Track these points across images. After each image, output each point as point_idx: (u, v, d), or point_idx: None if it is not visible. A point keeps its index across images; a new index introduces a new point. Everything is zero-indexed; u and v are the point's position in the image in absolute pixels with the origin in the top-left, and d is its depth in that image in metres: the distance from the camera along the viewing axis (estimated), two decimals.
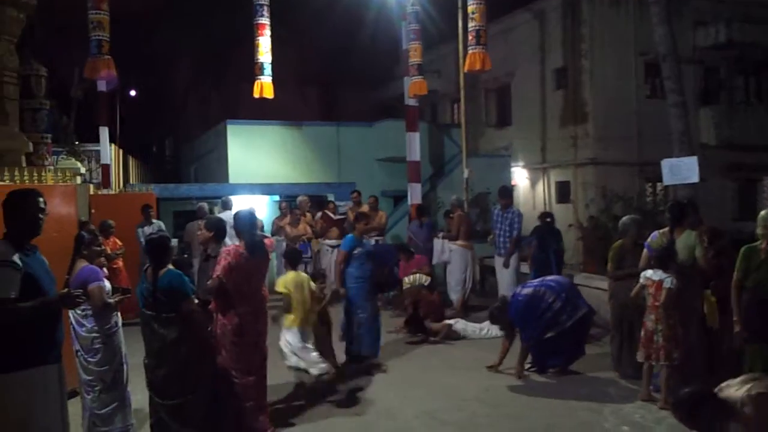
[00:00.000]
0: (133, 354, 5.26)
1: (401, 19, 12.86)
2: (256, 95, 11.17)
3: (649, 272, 5.84)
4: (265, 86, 11.05)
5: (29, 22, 9.90)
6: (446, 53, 21.40)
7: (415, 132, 12.84)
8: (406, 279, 9.13)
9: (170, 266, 4.66)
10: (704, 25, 19.26)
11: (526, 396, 6.30)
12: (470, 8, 9.65)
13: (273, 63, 11.18)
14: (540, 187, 20.10)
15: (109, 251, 9.10)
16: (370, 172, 17.23)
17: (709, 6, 19.15)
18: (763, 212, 5.21)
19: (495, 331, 8.57)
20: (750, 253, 5.19)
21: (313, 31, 23.29)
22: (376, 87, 26.48)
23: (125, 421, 5.16)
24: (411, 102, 12.66)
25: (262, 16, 10.98)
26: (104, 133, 14.98)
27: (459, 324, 8.81)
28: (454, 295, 10.40)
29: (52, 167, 10.48)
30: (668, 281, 5.67)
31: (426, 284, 8.97)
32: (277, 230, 11.56)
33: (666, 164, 8.59)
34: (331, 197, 13.77)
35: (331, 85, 25.71)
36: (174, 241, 8.45)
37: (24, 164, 9.30)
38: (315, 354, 6.04)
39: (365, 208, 11.79)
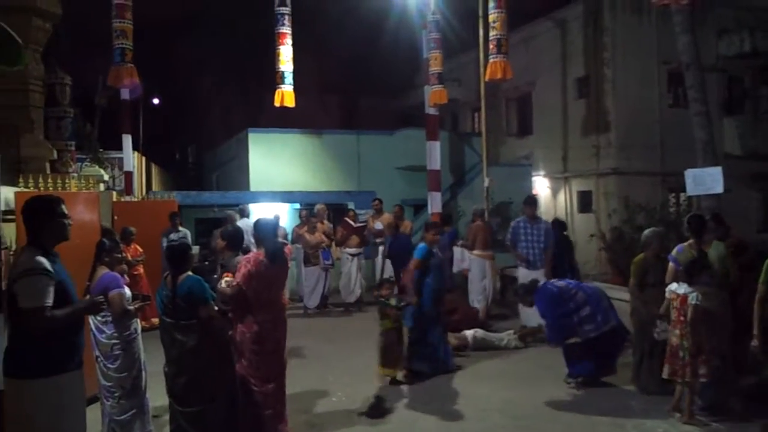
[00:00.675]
0: (152, 361, 5.28)
1: (422, 28, 12.87)
2: (277, 104, 11.22)
3: (674, 286, 5.70)
4: (286, 95, 11.10)
5: (54, 31, 10.06)
6: (467, 62, 21.36)
7: (436, 141, 12.82)
8: None
9: (189, 273, 4.66)
10: (728, 34, 19.03)
11: (548, 408, 6.22)
12: (491, 17, 9.63)
13: (294, 72, 11.23)
14: (561, 196, 19.95)
15: (129, 258, 9.19)
16: (390, 181, 17.23)
17: (732, 14, 18.92)
18: None
19: (515, 342, 8.52)
20: None
21: (334, 40, 23.41)
22: (396, 95, 26.51)
23: (144, 427, 5.17)
24: (431, 111, 12.64)
25: (284, 25, 11.04)
26: (127, 140, 15.13)
27: (479, 333, 8.74)
28: (477, 305, 10.31)
29: (75, 174, 10.60)
30: (693, 296, 5.49)
31: None
32: (296, 238, 11.60)
33: (690, 174, 8.48)
34: (351, 205, 13.78)
35: (352, 93, 25.80)
36: (195, 248, 8.51)
37: (48, 171, 9.43)
38: None
39: (389, 217, 11.78)
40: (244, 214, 11.36)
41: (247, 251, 5.80)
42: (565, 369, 6.97)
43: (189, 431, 4.55)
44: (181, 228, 10.72)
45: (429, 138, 12.83)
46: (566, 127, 19.73)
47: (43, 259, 3.45)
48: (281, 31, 11.06)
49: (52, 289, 3.42)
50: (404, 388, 6.91)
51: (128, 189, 14.96)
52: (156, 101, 28.61)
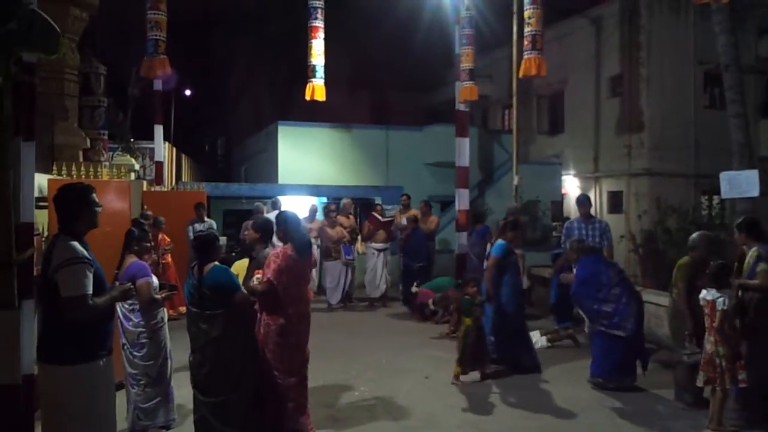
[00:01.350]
0: (177, 350, 5.32)
1: (455, 24, 12.77)
2: (308, 97, 11.22)
3: (704, 292, 5.60)
4: (317, 89, 11.10)
5: (91, 21, 10.19)
6: (499, 58, 21.22)
7: (465, 137, 12.71)
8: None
9: (216, 263, 4.69)
10: None
11: (571, 409, 6.14)
12: (527, 13, 9.50)
13: (325, 66, 11.23)
14: (591, 196, 19.70)
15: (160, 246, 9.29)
16: (418, 177, 17.19)
17: None
18: None
19: (542, 341, 8.44)
20: None
21: (366, 35, 23.39)
22: (426, 91, 26.43)
23: (168, 415, 5.23)
24: (461, 107, 12.54)
25: (316, 18, 11.03)
26: (159, 131, 15.27)
27: None
28: None
29: (107, 163, 10.74)
30: (721, 301, 5.37)
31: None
32: (318, 232, 11.61)
33: (725, 177, 8.30)
34: (378, 200, 13.76)
35: (382, 88, 25.76)
36: (223, 239, 8.56)
37: (81, 159, 9.56)
38: None
39: (415, 212, 11.77)
40: (276, 206, 11.40)
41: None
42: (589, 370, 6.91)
43: (212, 421, 4.58)
44: (206, 219, 10.79)
45: (458, 134, 12.72)
46: (598, 126, 19.50)
47: (80, 248, 3.49)
48: (314, 24, 11.05)
49: (92, 277, 3.47)
50: (425, 384, 6.89)
51: (158, 179, 15.10)
52: (188, 92, 28.88)
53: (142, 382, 5.08)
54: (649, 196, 16.73)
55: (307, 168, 16.74)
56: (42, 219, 5.69)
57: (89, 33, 10.55)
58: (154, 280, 5.17)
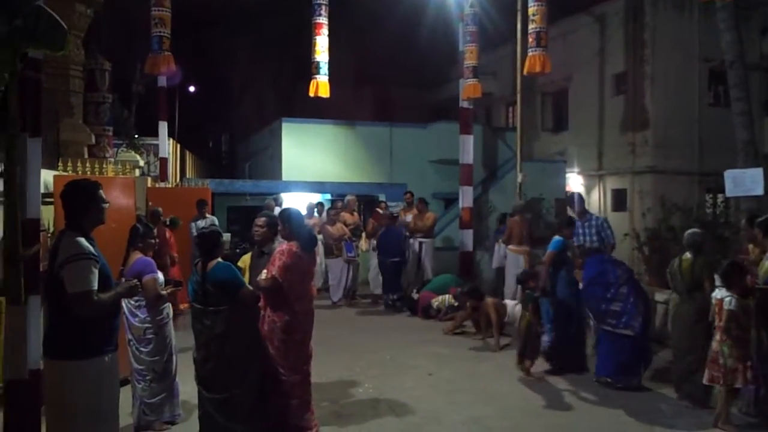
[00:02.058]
0: (180, 346, 5.34)
1: (459, 21, 12.77)
2: (312, 94, 11.25)
3: (715, 291, 5.60)
4: (320, 85, 11.12)
5: (96, 17, 10.21)
6: (503, 55, 21.17)
7: (469, 135, 12.73)
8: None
9: (219, 259, 4.70)
10: None
11: (575, 407, 6.15)
12: (531, 10, 9.52)
13: (329, 62, 11.24)
14: (595, 194, 19.70)
15: (174, 254, 9.33)
16: (422, 174, 17.18)
17: None
18: None
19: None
20: None
21: (370, 31, 23.39)
22: (430, 88, 26.40)
23: (173, 411, 5.26)
24: (465, 104, 12.56)
25: (320, 15, 11.06)
26: (163, 127, 15.30)
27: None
28: (508, 299, 10.21)
29: (112, 159, 10.78)
30: (728, 301, 5.38)
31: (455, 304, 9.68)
32: (320, 230, 11.64)
33: (729, 175, 8.29)
34: (382, 197, 13.77)
35: (386, 85, 25.75)
36: (227, 236, 8.57)
37: (86, 156, 9.59)
38: None
39: (415, 210, 11.81)
40: (278, 202, 11.44)
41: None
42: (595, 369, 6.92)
43: (216, 417, 4.59)
44: (208, 215, 10.81)
45: (462, 132, 12.74)
46: (602, 123, 19.46)
47: (87, 244, 3.50)
48: (318, 21, 11.08)
49: (97, 273, 3.48)
50: (429, 381, 6.90)
51: (163, 175, 15.15)
52: (192, 89, 28.89)
53: (148, 378, 5.11)
54: (653, 194, 16.68)
55: (310, 165, 16.74)
56: (48, 215, 5.71)
57: (94, 29, 10.58)
58: (160, 276, 5.19)
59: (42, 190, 3.98)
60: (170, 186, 14.28)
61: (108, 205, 3.76)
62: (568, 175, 19.90)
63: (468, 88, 12.02)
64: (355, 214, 12.15)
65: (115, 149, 12.55)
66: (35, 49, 3.66)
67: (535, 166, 17.42)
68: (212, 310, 4.57)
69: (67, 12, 9.01)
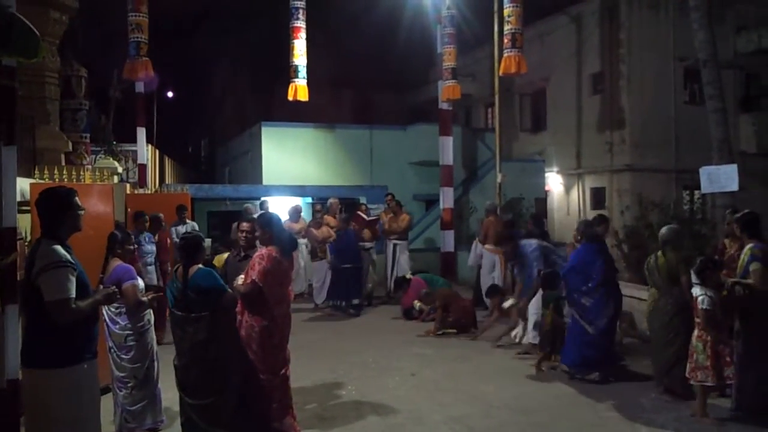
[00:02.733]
0: (161, 352, 5.32)
1: (436, 23, 12.84)
2: (291, 98, 11.26)
3: (693, 287, 5.65)
4: (299, 89, 11.13)
5: (71, 23, 10.13)
6: (481, 57, 21.31)
7: (449, 136, 12.81)
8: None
9: (200, 265, 4.68)
10: (746, 30, 18.87)
11: (557, 404, 6.20)
12: (506, 11, 9.61)
13: (308, 66, 11.25)
14: (574, 193, 19.88)
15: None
16: (402, 176, 17.24)
17: (753, 10, 18.76)
18: None
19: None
20: None
21: (348, 35, 23.40)
22: (409, 90, 26.49)
23: (156, 418, 5.23)
24: (444, 106, 12.63)
25: (298, 19, 11.08)
26: (141, 133, 15.23)
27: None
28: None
29: (90, 166, 10.68)
30: (701, 300, 5.43)
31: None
32: (304, 233, 11.62)
33: (705, 172, 8.41)
34: (363, 200, 13.79)
35: (365, 88, 25.80)
36: (207, 241, 8.52)
37: (63, 163, 9.51)
38: None
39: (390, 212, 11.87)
40: (264, 209, 11.41)
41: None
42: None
43: (198, 423, 4.58)
44: (188, 221, 10.76)
45: (442, 133, 12.82)
46: (580, 123, 19.64)
47: (63, 251, 3.48)
48: (295, 25, 11.10)
49: (75, 281, 3.47)
50: (411, 381, 6.92)
51: (142, 181, 15.06)
52: (170, 94, 28.74)
53: (129, 385, 5.08)
54: (631, 192, 16.88)
55: (291, 168, 16.73)
56: (24, 223, 5.66)
57: (69, 36, 10.49)
58: (140, 282, 5.17)
59: (18, 199, 3.95)
60: (149, 192, 14.19)
61: (84, 212, 3.74)
62: (547, 175, 20.07)
63: (447, 90, 12.10)
64: (338, 217, 12.14)
65: (93, 156, 12.45)
66: (9, 57, 3.63)
67: (515, 166, 17.56)
68: (194, 316, 4.54)
69: (41, 19, 8.92)
